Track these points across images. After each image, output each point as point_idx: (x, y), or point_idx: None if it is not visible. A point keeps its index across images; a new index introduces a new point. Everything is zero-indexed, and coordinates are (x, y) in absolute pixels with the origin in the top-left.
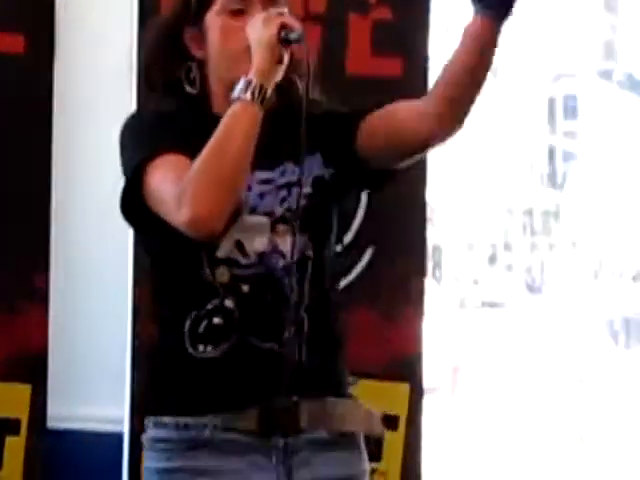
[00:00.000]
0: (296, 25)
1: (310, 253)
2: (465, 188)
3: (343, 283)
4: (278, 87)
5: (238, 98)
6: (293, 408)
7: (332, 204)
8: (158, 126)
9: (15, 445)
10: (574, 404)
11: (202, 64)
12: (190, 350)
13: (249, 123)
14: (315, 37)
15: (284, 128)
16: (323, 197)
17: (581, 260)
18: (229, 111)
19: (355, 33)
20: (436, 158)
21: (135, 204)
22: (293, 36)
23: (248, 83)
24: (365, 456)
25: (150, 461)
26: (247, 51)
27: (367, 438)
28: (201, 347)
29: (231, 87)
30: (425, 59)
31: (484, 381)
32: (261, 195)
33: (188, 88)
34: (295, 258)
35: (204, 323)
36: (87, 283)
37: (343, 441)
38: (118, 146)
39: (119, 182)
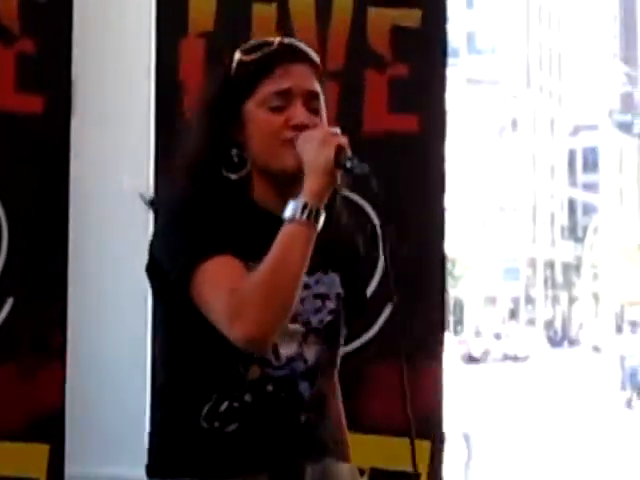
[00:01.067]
0: (348, 147)
1: (323, 361)
2: (486, 241)
3: (363, 339)
4: None
5: (293, 219)
6: (299, 471)
7: (343, 321)
8: (204, 219)
9: None
10: (596, 460)
11: (244, 148)
12: (204, 425)
13: (305, 245)
14: (333, 94)
15: (319, 237)
16: (341, 313)
17: (603, 312)
18: (285, 231)
19: (372, 90)
20: (455, 212)
21: (178, 294)
22: (350, 164)
23: (304, 206)
24: None
25: None
26: (286, 145)
27: None
28: (216, 424)
29: (270, 177)
30: (442, 115)
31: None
32: (301, 301)
33: (225, 172)
34: (312, 363)
35: (225, 405)
36: (104, 339)
37: None
38: (156, 226)
39: (139, 239)
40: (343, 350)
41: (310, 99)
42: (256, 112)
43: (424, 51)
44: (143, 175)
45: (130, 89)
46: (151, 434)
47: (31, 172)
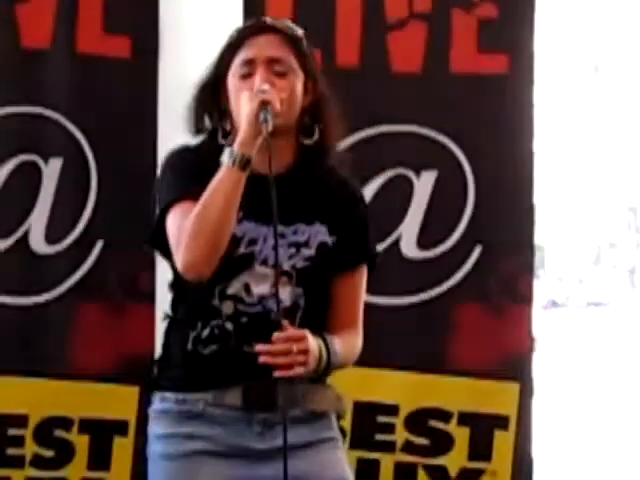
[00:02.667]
0: (276, 102)
1: (301, 302)
2: (570, 187)
3: (451, 282)
4: (305, 150)
5: (223, 164)
6: (271, 389)
7: (329, 269)
8: (188, 169)
9: (123, 446)
10: None
11: (232, 119)
12: (190, 347)
13: (230, 186)
14: (420, 35)
15: (301, 190)
16: (323, 261)
17: None
18: (216, 175)
19: (460, 31)
20: (542, 158)
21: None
22: (268, 117)
23: (232, 152)
24: (334, 427)
25: (154, 428)
26: None
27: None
28: (200, 347)
29: None
30: (531, 56)
31: (586, 380)
32: (273, 249)
33: (220, 138)
34: (289, 304)
35: (206, 332)
36: None
37: (314, 418)
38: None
39: None
40: (431, 293)
41: (272, 64)
42: (231, 82)
43: None
44: None
45: (217, 32)
46: (156, 358)
47: (119, 115)
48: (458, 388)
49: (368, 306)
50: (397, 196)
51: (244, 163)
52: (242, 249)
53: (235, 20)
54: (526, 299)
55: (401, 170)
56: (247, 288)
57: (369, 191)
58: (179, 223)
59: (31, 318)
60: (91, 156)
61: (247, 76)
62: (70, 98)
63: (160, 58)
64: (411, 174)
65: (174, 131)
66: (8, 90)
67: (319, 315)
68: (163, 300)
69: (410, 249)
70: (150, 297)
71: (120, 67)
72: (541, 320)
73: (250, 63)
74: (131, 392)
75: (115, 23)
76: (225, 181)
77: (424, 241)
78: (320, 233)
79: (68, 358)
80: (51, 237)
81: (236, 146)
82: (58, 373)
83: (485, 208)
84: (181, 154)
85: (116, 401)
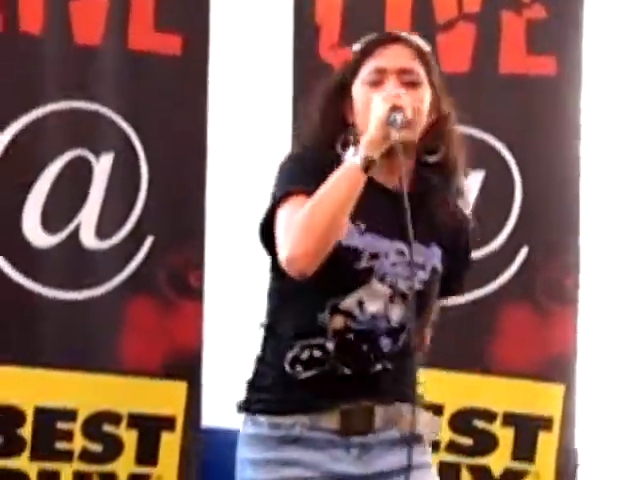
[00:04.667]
0: (409, 109)
1: (408, 325)
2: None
3: (497, 282)
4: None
5: (345, 161)
6: (368, 411)
7: (435, 294)
8: (307, 167)
9: (171, 442)
10: None
11: (355, 127)
12: (288, 369)
13: (349, 184)
14: (469, 36)
15: (422, 210)
16: (434, 285)
17: None
18: (337, 172)
19: (509, 32)
20: (590, 158)
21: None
22: (398, 120)
23: (355, 150)
24: (428, 451)
25: (245, 454)
26: None
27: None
28: (298, 368)
29: None
30: (579, 58)
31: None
32: (394, 264)
33: (338, 149)
34: (396, 324)
35: (306, 353)
36: (241, 280)
37: (410, 440)
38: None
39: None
40: (477, 294)
41: (404, 74)
42: (359, 89)
43: None
44: (280, 113)
45: (268, 29)
46: (249, 378)
47: (170, 111)
48: (503, 388)
49: None
50: None
51: (367, 164)
52: (363, 263)
53: (284, 18)
54: (572, 300)
55: None
56: (360, 304)
57: None
58: (289, 215)
59: (81, 313)
60: (142, 152)
61: (377, 84)
62: (121, 94)
63: (210, 55)
64: None
65: (224, 128)
66: (60, 85)
67: (415, 335)
68: (212, 297)
69: None
70: (199, 294)
71: (171, 63)
72: (588, 321)
73: (381, 72)
74: (179, 388)
75: (166, 20)
76: (344, 179)
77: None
78: (435, 257)
79: (118, 353)
80: (102, 232)
81: (361, 146)
82: (107, 368)
83: (532, 209)
84: (301, 155)
85: (164, 397)
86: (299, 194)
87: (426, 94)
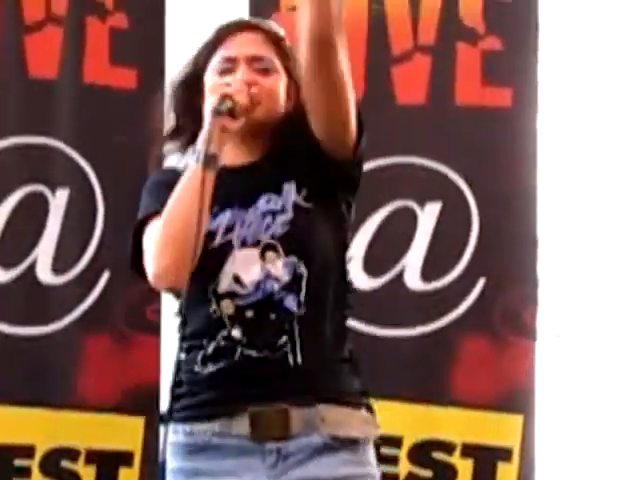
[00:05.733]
0: (240, 96)
1: (302, 270)
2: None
3: (455, 313)
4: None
5: (188, 165)
6: (283, 414)
7: (319, 221)
8: (160, 187)
9: (129, 477)
10: None
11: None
12: (197, 369)
13: (196, 185)
14: (425, 67)
15: (270, 165)
16: (304, 218)
17: None
18: (182, 177)
19: (464, 63)
20: (546, 186)
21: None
22: (222, 107)
23: (195, 149)
24: (370, 460)
25: (168, 462)
26: None
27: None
28: (209, 365)
29: None
30: (535, 89)
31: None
32: (249, 225)
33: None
34: (288, 278)
35: (212, 346)
36: None
37: (339, 446)
38: None
39: None
40: (435, 325)
41: (254, 61)
42: (209, 79)
43: (517, 24)
44: None
45: None
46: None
47: (126, 145)
48: (461, 419)
49: (372, 337)
50: (401, 228)
51: (208, 160)
52: (218, 240)
53: None
54: (530, 331)
55: (405, 202)
56: (237, 279)
57: (373, 223)
58: (148, 239)
59: (38, 348)
60: (98, 186)
61: (227, 71)
62: (77, 128)
63: (166, 88)
64: (415, 206)
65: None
66: (15, 120)
67: (326, 280)
68: (169, 331)
69: (414, 281)
70: (156, 328)
71: (126, 98)
72: (544, 351)
73: (231, 60)
74: (137, 423)
75: (122, 54)
76: (190, 180)
77: (428, 273)
78: (290, 194)
79: (74, 388)
80: (58, 267)
81: (199, 143)
82: (65, 404)
83: (489, 240)
84: (156, 175)
85: (122, 432)
86: (158, 215)
87: (279, 80)
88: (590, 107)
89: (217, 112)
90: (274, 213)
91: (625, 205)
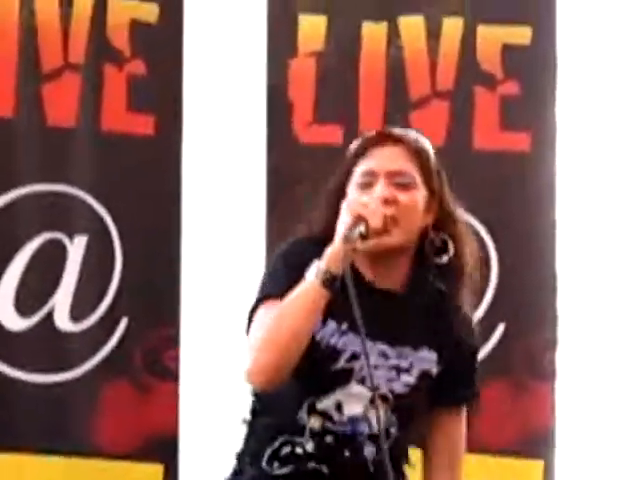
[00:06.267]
0: (375, 219)
1: (393, 431)
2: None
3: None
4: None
5: (307, 278)
6: None
7: (428, 396)
8: (294, 264)
9: None
10: None
11: None
12: (264, 465)
13: (310, 301)
14: (443, 113)
15: (414, 312)
16: (423, 390)
17: None
18: (298, 288)
19: (483, 108)
20: (565, 230)
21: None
22: (354, 233)
23: (317, 266)
24: None
25: None
26: None
27: None
28: (275, 464)
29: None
30: (553, 134)
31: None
32: (375, 367)
33: None
34: (377, 430)
35: (286, 449)
36: (218, 360)
37: None
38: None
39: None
40: None
41: (394, 176)
42: (350, 192)
43: (535, 68)
44: (254, 194)
45: (241, 109)
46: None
47: (144, 192)
48: (482, 466)
49: None
50: None
51: (328, 279)
52: (341, 363)
53: (258, 97)
54: (549, 375)
55: None
56: (339, 406)
57: None
58: (259, 323)
59: (56, 396)
60: (116, 233)
61: (368, 185)
62: (95, 176)
63: (184, 135)
64: None
65: (198, 208)
66: (34, 168)
67: (406, 447)
68: (187, 378)
69: None
70: (174, 375)
71: (144, 144)
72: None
73: (371, 174)
74: (155, 470)
75: (139, 101)
76: (304, 295)
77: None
78: (425, 361)
79: (93, 436)
80: (76, 315)
81: (322, 260)
82: (82, 452)
83: (508, 285)
84: (295, 244)
85: (141, 479)
86: (275, 299)
87: (419, 196)
88: (609, 150)
89: (347, 239)
90: (399, 369)
91: None
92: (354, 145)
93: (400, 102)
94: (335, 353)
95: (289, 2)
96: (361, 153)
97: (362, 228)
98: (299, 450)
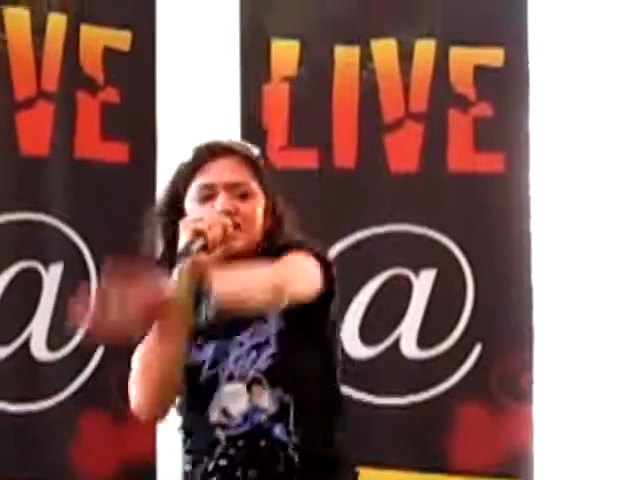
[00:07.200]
0: (212, 229)
1: (288, 400)
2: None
3: (452, 380)
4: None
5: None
6: None
7: (302, 346)
8: None
9: None
10: None
11: None
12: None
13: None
14: (417, 135)
15: None
16: (287, 350)
17: None
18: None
19: (456, 130)
20: (541, 251)
21: None
22: (193, 248)
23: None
24: None
25: None
26: None
27: None
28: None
29: None
30: (527, 153)
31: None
32: (236, 361)
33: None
34: (275, 409)
35: (212, 464)
36: None
37: None
38: None
39: None
40: (432, 392)
41: (233, 188)
42: (190, 207)
43: (508, 89)
44: None
45: (216, 135)
46: None
47: (118, 220)
48: None
49: (369, 405)
50: (397, 295)
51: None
52: (204, 375)
53: (232, 126)
54: (527, 396)
55: (400, 269)
56: (225, 412)
57: (368, 291)
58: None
59: (32, 425)
60: (91, 261)
61: (206, 199)
62: (69, 204)
63: (158, 163)
64: (410, 273)
65: None
66: (7, 197)
67: (313, 405)
68: None
69: (410, 348)
70: None
71: (119, 172)
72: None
73: (209, 187)
74: None
75: (113, 128)
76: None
77: (424, 340)
78: (273, 323)
79: (70, 465)
80: (52, 343)
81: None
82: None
83: (484, 306)
84: None
85: None
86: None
87: (258, 204)
88: (583, 169)
89: (186, 253)
90: (259, 346)
91: (622, 272)
92: (184, 162)
93: (374, 125)
94: (195, 369)
95: (262, 27)
96: (195, 168)
97: (201, 242)
98: (223, 462)
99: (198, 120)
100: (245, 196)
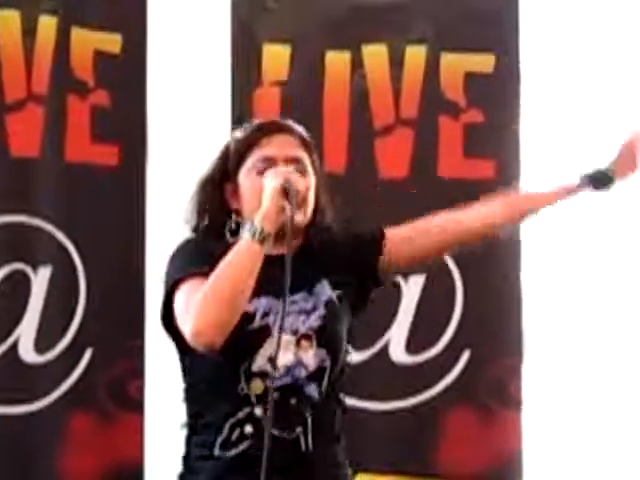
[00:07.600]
0: (299, 182)
1: (327, 364)
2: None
3: (440, 386)
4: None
5: (242, 237)
6: None
7: (344, 319)
8: (195, 255)
9: None
10: None
11: (239, 214)
12: (218, 453)
13: (247, 258)
14: (407, 141)
15: (303, 261)
16: (334, 317)
17: None
18: (235, 247)
19: (447, 136)
20: (532, 266)
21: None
22: (293, 190)
23: (251, 225)
24: None
25: None
26: None
27: None
28: (231, 448)
29: None
30: (518, 160)
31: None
32: (287, 315)
33: (228, 236)
34: (313, 368)
35: (237, 432)
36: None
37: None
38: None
39: None
40: (420, 398)
41: (291, 163)
42: (246, 179)
43: (498, 96)
44: None
45: (206, 138)
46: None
47: (108, 223)
48: None
49: (357, 410)
50: (385, 301)
51: (263, 237)
52: (257, 322)
53: (222, 130)
54: (516, 402)
55: None
56: (271, 360)
57: None
58: (188, 296)
59: (21, 427)
60: (80, 264)
61: (265, 171)
62: (59, 206)
63: (148, 165)
64: (399, 279)
65: (163, 238)
66: None
67: (342, 378)
68: (152, 409)
69: (399, 354)
70: (139, 406)
71: (109, 175)
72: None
73: (269, 160)
74: None
75: (103, 131)
76: (241, 253)
77: (413, 346)
78: (324, 292)
79: (58, 467)
80: (40, 346)
81: (257, 220)
82: None
83: (473, 312)
84: (186, 243)
85: None
86: (194, 276)
87: (312, 182)
88: (575, 175)
89: (286, 190)
90: (309, 309)
91: (612, 278)
92: (243, 134)
93: (364, 130)
94: (247, 316)
95: (253, 32)
96: (253, 142)
97: (294, 187)
98: (249, 429)
99: (188, 123)
100: (302, 173)
